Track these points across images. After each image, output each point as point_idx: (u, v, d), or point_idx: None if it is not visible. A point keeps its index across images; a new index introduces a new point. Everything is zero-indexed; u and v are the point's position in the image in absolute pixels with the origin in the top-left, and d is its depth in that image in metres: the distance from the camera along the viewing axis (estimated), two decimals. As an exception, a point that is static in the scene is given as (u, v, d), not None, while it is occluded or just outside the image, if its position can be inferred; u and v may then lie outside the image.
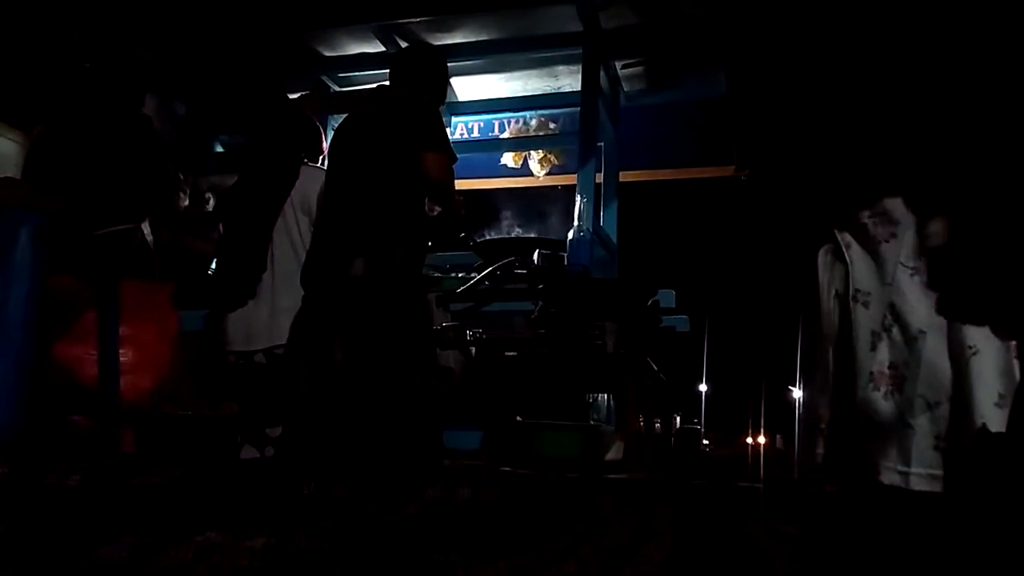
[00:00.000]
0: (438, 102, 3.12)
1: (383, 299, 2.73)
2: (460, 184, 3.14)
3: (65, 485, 2.11)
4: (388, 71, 3.14)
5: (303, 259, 3.02)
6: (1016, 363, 1.86)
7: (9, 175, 3.32)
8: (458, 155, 2.93)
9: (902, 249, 2.03)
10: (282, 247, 3.26)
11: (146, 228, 3.19)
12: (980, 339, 1.91)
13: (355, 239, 2.77)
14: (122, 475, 2.26)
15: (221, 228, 3.52)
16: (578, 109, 4.63)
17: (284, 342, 3.17)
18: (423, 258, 2.97)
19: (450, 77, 3.24)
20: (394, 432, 2.67)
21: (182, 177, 3.30)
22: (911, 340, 1.98)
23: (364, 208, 2.79)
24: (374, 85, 3.22)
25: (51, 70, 4.01)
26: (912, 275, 2.01)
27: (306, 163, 3.40)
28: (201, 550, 1.47)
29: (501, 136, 5.56)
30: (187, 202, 3.37)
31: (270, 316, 3.19)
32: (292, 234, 3.26)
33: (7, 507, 1.90)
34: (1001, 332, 1.87)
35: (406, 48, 3.44)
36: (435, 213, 3.22)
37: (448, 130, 5.32)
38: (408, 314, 2.77)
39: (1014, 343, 1.84)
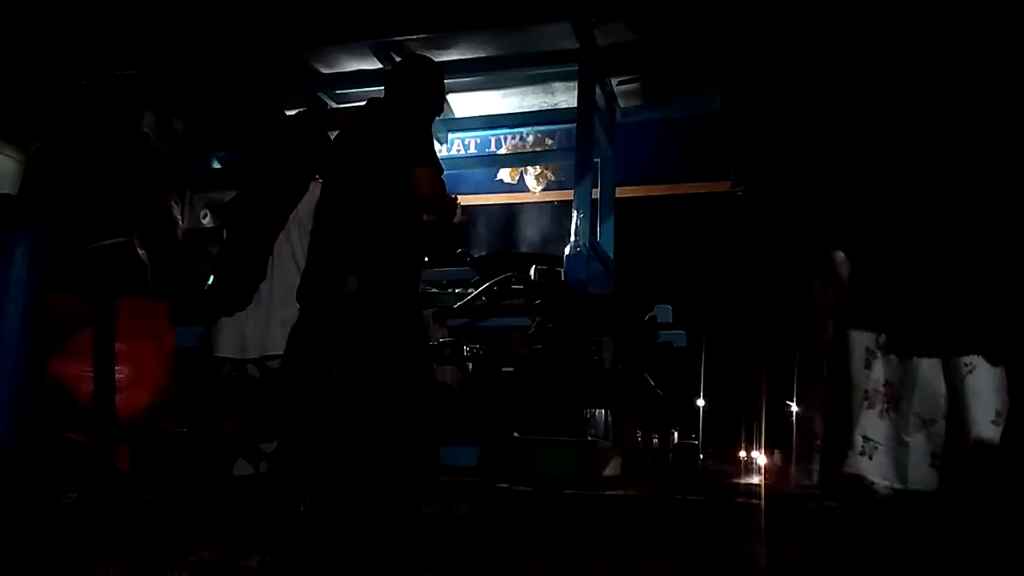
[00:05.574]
0: (434, 115, 3.13)
1: (379, 315, 2.73)
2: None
3: (60, 503, 2.10)
4: (383, 85, 3.14)
5: None
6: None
7: (6, 192, 3.33)
8: (455, 171, 2.95)
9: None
10: (283, 260, 3.27)
11: (139, 243, 3.19)
12: (976, 357, 1.91)
13: (351, 255, 2.77)
14: (117, 493, 2.25)
15: (225, 235, 3.51)
16: (574, 125, 4.65)
17: (277, 352, 3.16)
18: (419, 274, 2.97)
19: (445, 90, 3.24)
20: (390, 448, 2.66)
21: (171, 187, 3.29)
22: (906, 358, 1.98)
23: (359, 224, 2.79)
24: (368, 100, 3.22)
25: (48, 87, 4.02)
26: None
27: (317, 179, 3.39)
28: (196, 569, 1.47)
29: (498, 152, 5.57)
30: (178, 210, 3.36)
31: (266, 326, 3.20)
32: (295, 248, 3.27)
33: (1, 525, 1.89)
34: (993, 360, 1.88)
35: (401, 61, 3.44)
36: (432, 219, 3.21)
37: (445, 146, 5.38)
38: (404, 330, 2.78)
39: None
